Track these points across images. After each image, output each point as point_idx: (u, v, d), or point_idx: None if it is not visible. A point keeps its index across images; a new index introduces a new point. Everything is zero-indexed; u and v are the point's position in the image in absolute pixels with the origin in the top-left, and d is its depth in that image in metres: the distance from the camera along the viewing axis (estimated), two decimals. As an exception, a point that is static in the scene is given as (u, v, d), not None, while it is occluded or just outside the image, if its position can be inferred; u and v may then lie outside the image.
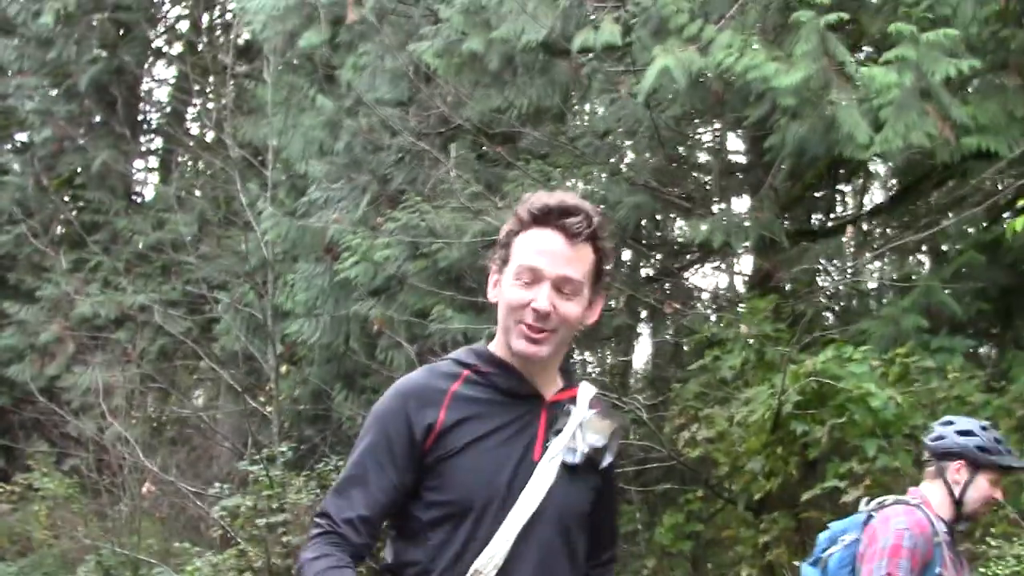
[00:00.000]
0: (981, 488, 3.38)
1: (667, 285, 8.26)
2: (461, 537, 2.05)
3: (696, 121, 7.20)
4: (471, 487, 2.06)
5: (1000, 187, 5.88)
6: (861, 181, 8.09)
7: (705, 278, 10.16)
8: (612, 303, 7.60)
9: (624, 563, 7.57)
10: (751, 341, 6.19)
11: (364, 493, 2.08)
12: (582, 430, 2.16)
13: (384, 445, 2.08)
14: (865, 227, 7.48)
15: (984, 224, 6.42)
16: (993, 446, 3.41)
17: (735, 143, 8.40)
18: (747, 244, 5.92)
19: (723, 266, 10.01)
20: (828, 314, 7.40)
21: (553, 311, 2.06)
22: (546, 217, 2.09)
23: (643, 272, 8.79)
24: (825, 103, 5.29)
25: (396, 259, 7.94)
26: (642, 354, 11.21)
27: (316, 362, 10.65)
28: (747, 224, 5.85)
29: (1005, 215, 5.97)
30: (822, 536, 3.65)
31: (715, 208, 7.27)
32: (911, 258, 7.98)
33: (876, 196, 8.18)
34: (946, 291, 6.06)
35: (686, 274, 8.88)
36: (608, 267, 2.19)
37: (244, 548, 9.09)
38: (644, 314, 8.94)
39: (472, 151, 8.23)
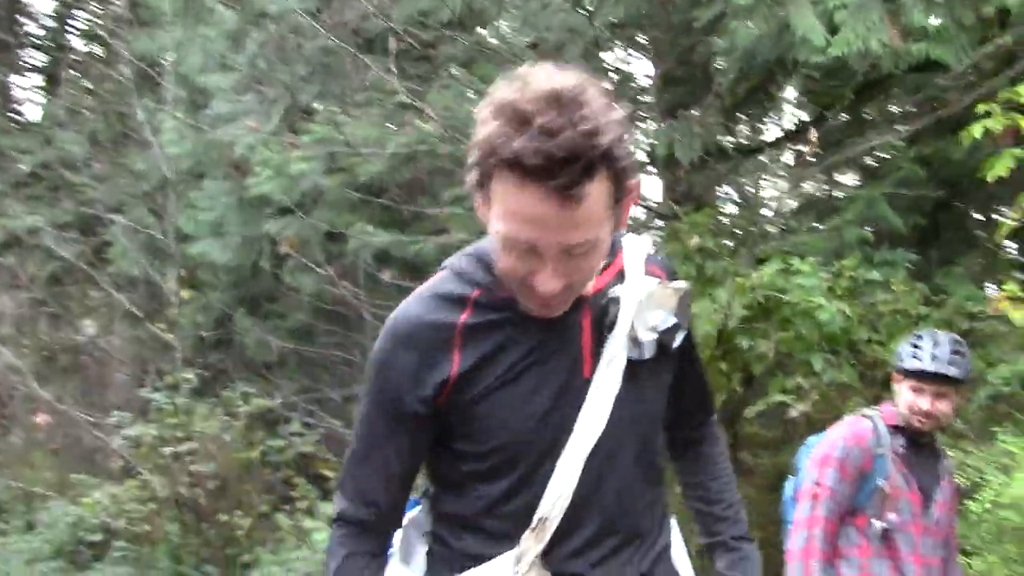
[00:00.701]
0: (904, 397, 3.29)
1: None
2: (511, 486, 1.65)
3: (637, 28, 6.89)
4: (510, 433, 1.62)
5: (948, 100, 5.77)
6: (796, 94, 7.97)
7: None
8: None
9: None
10: (694, 256, 6.01)
11: (376, 471, 1.70)
12: (641, 313, 1.68)
13: (387, 407, 1.66)
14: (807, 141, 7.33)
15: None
16: (906, 351, 3.30)
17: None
18: (695, 154, 5.68)
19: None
20: (770, 228, 7.29)
21: (564, 284, 1.54)
22: (527, 171, 1.44)
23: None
24: (779, 4, 5.06)
25: (312, 174, 7.52)
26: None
27: (220, 286, 10.23)
28: (696, 132, 5.61)
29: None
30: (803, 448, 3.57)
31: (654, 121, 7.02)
32: (850, 172, 7.92)
33: (806, 113, 8.05)
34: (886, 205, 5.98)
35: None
36: (632, 178, 1.56)
37: (147, 478, 8.78)
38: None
39: (391, 59, 7.81)
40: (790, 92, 7.95)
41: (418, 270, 7.29)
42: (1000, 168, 4.85)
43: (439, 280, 1.70)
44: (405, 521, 1.81)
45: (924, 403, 3.23)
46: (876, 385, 5.50)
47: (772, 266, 5.52)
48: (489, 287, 1.65)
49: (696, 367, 1.97)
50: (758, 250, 5.86)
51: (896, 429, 3.30)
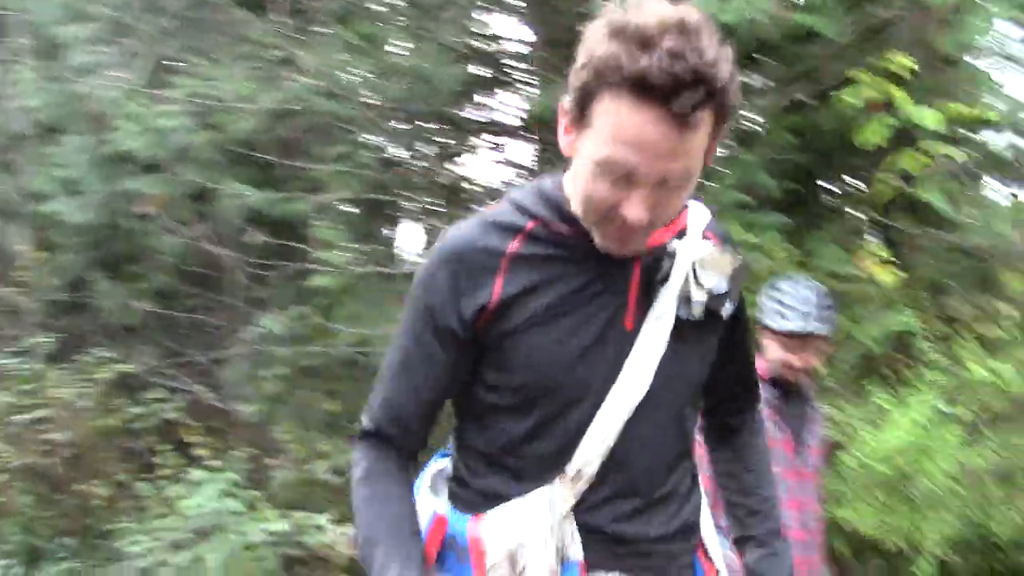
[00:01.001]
0: (773, 352, 3.34)
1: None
2: (534, 426, 1.62)
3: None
4: (539, 370, 1.60)
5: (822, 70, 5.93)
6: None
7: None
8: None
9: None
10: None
11: (408, 389, 1.68)
12: (698, 271, 1.65)
13: (426, 327, 1.64)
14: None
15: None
16: (771, 308, 3.35)
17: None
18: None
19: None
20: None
21: (650, 217, 1.52)
22: (648, 90, 1.42)
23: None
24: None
25: (180, 130, 7.22)
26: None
27: (75, 247, 9.75)
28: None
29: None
30: None
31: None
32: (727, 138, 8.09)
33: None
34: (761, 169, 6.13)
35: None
36: (730, 119, 1.55)
37: (-6, 448, 8.34)
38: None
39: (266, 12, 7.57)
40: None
41: (293, 230, 7.11)
42: (873, 136, 5.03)
43: (497, 209, 1.69)
44: (432, 469, 1.79)
45: (794, 359, 3.30)
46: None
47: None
48: (545, 221, 1.63)
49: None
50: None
51: (767, 381, 3.35)
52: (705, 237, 1.72)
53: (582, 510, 1.64)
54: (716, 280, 1.65)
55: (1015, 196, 6.75)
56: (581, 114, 1.52)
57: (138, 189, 7.92)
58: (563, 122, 1.59)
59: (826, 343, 3.36)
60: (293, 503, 6.69)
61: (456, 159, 8.63)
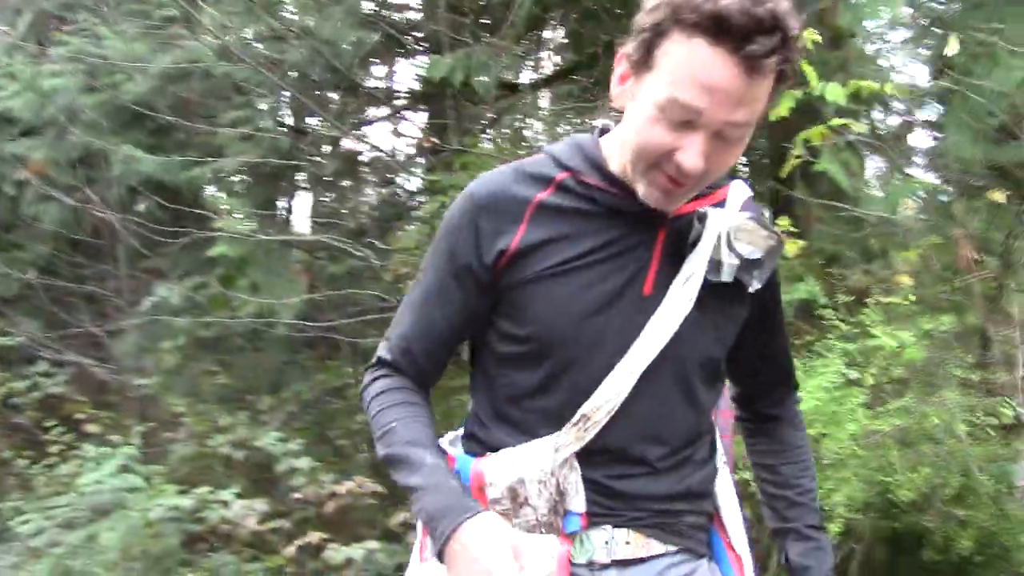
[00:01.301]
0: None
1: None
2: (540, 380, 1.62)
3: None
4: (549, 323, 1.59)
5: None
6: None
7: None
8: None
9: (332, 417, 7.33)
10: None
11: (425, 322, 1.71)
12: (730, 238, 1.61)
13: (448, 266, 1.66)
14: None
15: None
16: None
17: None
18: (492, 86, 5.61)
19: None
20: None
21: (705, 167, 1.48)
22: (725, 31, 1.39)
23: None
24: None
25: (67, 91, 6.89)
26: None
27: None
28: (489, 64, 5.54)
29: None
30: None
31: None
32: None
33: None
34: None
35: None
36: (790, 77, 1.51)
37: None
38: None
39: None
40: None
41: (190, 196, 6.89)
42: (782, 108, 5.12)
43: (532, 159, 1.68)
44: (450, 436, 1.80)
45: None
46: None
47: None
48: (578, 172, 1.62)
49: (779, 330, 1.89)
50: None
51: None
52: (744, 209, 1.69)
53: (585, 465, 1.63)
54: (749, 249, 1.62)
55: (901, 172, 7.00)
56: (647, 56, 1.48)
57: (19, 152, 7.54)
58: (619, 69, 1.56)
59: None
60: (192, 478, 6.53)
61: (356, 127, 8.48)
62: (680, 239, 1.62)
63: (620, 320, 1.59)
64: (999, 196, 5.50)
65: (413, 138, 9.13)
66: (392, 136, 9.76)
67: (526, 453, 1.61)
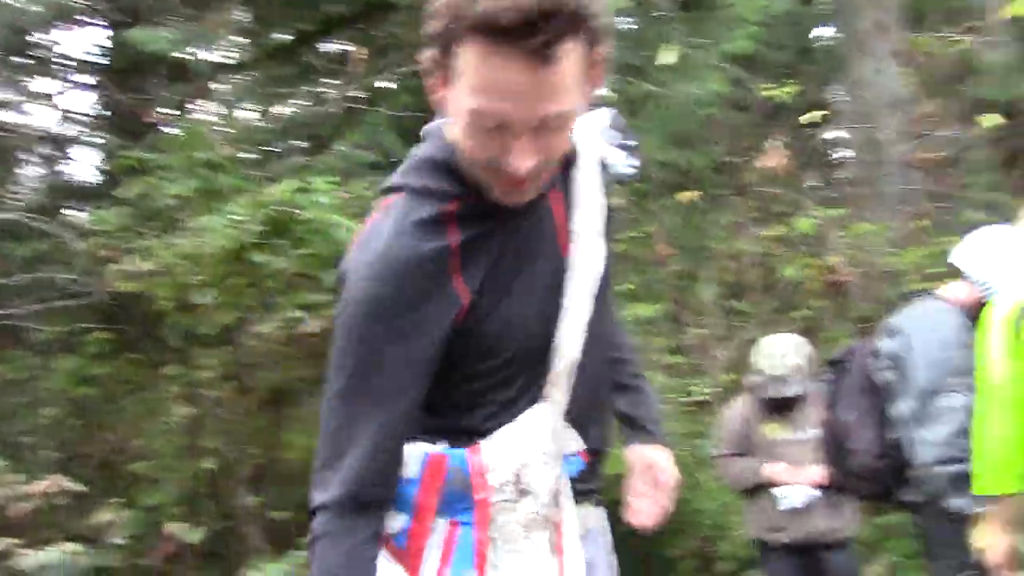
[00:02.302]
0: None
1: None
2: (525, 381, 1.54)
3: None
4: (523, 336, 1.51)
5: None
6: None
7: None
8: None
9: (13, 412, 6.78)
10: (199, 171, 5.78)
11: (386, 430, 1.47)
12: (604, 158, 1.63)
13: (393, 352, 1.45)
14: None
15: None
16: None
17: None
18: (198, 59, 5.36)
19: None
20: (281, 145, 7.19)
21: (538, 161, 1.42)
22: (500, 31, 1.32)
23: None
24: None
25: None
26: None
27: None
28: (205, 38, 5.31)
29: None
30: None
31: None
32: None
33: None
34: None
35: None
36: (603, 44, 1.42)
37: None
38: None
39: None
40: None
41: None
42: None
43: (404, 206, 1.49)
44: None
45: None
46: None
47: (289, 184, 5.51)
48: (463, 197, 1.49)
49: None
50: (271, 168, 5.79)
51: None
52: (602, 134, 1.68)
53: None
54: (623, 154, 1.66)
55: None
56: (444, 66, 1.41)
57: None
58: (429, 79, 1.47)
59: None
60: None
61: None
62: (567, 193, 1.61)
63: (560, 288, 1.57)
64: (689, 196, 6.02)
65: (102, 112, 8.60)
66: (67, 109, 9.16)
67: (521, 434, 1.53)
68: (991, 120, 6.00)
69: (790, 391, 4.13)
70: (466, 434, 1.53)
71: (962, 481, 2.95)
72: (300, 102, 7.56)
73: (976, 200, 6.77)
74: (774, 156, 5.69)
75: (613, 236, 1.72)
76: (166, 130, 5.83)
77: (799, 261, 6.40)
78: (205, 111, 7.77)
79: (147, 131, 6.11)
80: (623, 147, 1.67)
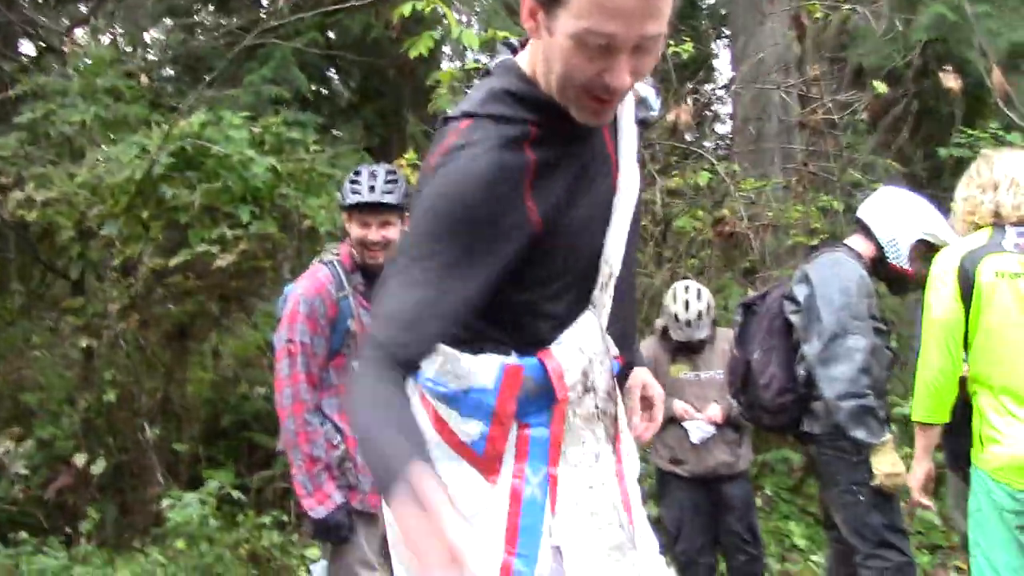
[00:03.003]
0: (354, 232, 3.39)
1: None
2: (578, 295, 1.68)
3: None
4: (583, 250, 1.65)
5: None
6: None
7: None
8: None
9: None
10: (102, 97, 5.66)
11: (456, 291, 1.54)
12: (644, 96, 1.81)
13: (469, 239, 1.54)
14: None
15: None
16: (347, 188, 3.42)
17: None
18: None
19: None
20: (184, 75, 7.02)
21: (632, 80, 1.54)
22: None
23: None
24: None
25: None
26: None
27: None
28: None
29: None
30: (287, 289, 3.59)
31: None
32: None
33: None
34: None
35: None
36: None
37: None
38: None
39: None
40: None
41: None
42: (421, 47, 5.40)
43: (487, 128, 1.59)
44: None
45: (371, 234, 3.47)
46: (297, 238, 5.82)
47: (200, 116, 5.46)
48: (539, 123, 1.60)
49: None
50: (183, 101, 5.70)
51: (355, 267, 3.51)
52: None
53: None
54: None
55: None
56: None
57: None
58: (527, 4, 1.55)
59: (400, 216, 3.52)
60: None
61: None
62: (614, 123, 1.75)
63: (606, 205, 1.71)
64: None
65: None
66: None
67: (581, 335, 1.67)
68: (876, 87, 6.35)
69: (700, 335, 4.38)
70: (532, 344, 1.65)
71: (861, 415, 3.25)
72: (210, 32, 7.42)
73: (856, 162, 7.17)
74: (679, 111, 5.91)
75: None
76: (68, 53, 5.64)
77: (692, 213, 6.68)
78: (110, 33, 7.54)
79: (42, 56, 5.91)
80: (653, 88, 1.82)
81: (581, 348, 1.67)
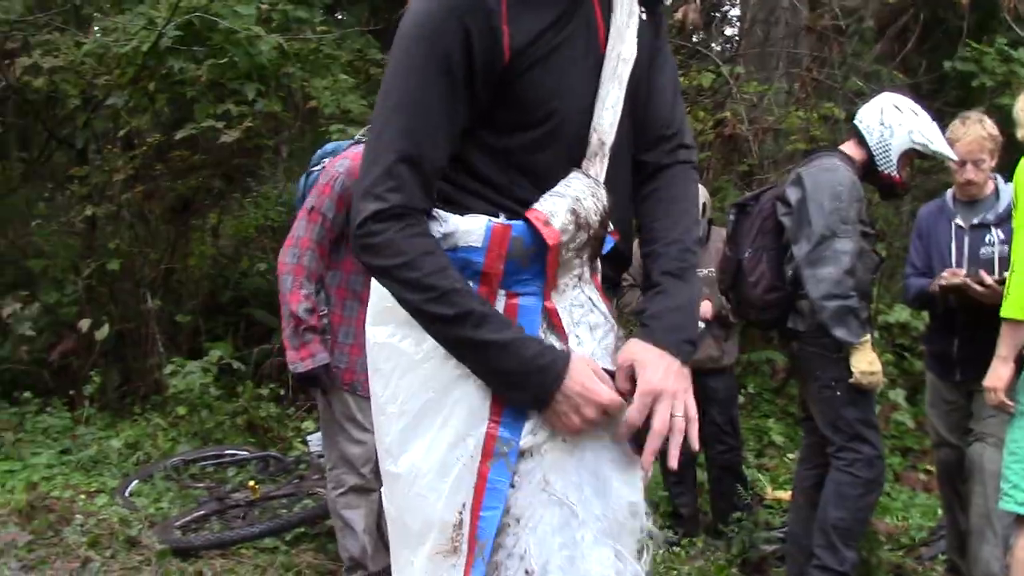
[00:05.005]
0: None
1: None
2: (555, 154, 1.63)
3: None
4: (559, 97, 1.61)
5: None
6: None
7: None
8: None
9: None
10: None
11: (426, 124, 1.54)
12: None
13: (440, 69, 1.53)
14: None
15: None
16: None
17: None
18: None
19: None
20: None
21: None
22: None
23: None
24: None
25: None
26: None
27: None
28: None
29: None
30: (320, 151, 3.70)
31: None
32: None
33: None
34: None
35: None
36: None
37: None
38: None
39: None
40: None
41: None
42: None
43: None
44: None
45: None
46: (300, 118, 5.86)
47: (206, -12, 5.43)
48: None
49: (670, 59, 1.84)
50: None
51: None
52: None
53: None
54: None
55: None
56: None
57: None
58: None
59: None
60: None
61: None
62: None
63: (593, 73, 1.67)
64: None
65: None
66: None
67: (567, 183, 1.63)
68: (884, -8, 6.32)
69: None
70: (520, 204, 1.61)
71: (844, 315, 3.38)
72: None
73: (860, 70, 7.17)
74: (687, 9, 5.89)
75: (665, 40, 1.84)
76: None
77: (693, 113, 6.70)
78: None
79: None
80: None
81: (563, 192, 1.62)
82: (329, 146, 3.77)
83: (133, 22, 5.49)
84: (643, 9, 1.75)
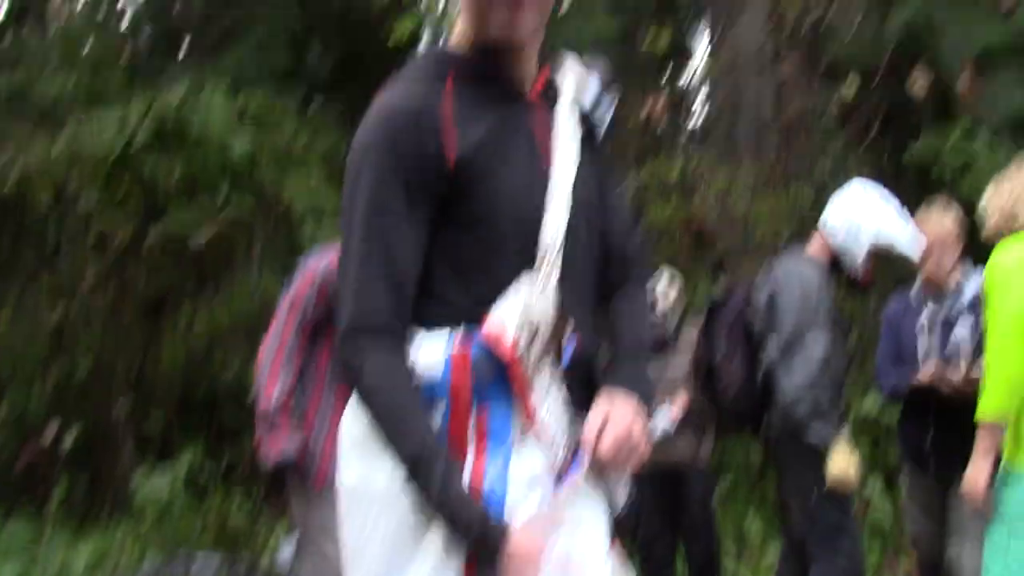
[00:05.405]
0: None
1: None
2: (519, 259, 1.65)
3: None
4: (513, 203, 1.64)
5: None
6: None
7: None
8: None
9: None
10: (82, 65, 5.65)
11: (392, 262, 1.59)
12: (579, 86, 1.78)
13: (395, 191, 1.57)
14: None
15: None
16: None
17: None
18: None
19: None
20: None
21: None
22: None
23: None
24: None
25: None
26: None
27: None
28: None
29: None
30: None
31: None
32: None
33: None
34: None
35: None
36: None
37: None
38: None
39: None
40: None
41: None
42: (403, 30, 5.46)
43: (404, 76, 1.67)
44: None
45: None
46: (272, 219, 5.85)
47: (181, 89, 5.45)
48: (458, 66, 1.66)
49: (616, 179, 1.94)
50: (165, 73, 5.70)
51: None
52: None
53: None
54: (591, 92, 1.81)
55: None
56: None
57: None
58: None
59: None
60: None
61: None
62: (548, 107, 1.77)
63: (543, 174, 1.71)
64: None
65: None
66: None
67: (520, 291, 1.65)
68: (849, 84, 6.40)
69: (672, 328, 4.48)
70: (480, 305, 1.63)
71: (818, 414, 3.36)
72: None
73: (826, 161, 7.25)
74: (655, 102, 5.97)
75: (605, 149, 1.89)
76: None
77: (665, 204, 6.75)
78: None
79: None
80: (601, 96, 1.84)
81: (514, 298, 1.64)
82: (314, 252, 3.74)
83: (105, 124, 5.49)
84: (587, 128, 1.79)
